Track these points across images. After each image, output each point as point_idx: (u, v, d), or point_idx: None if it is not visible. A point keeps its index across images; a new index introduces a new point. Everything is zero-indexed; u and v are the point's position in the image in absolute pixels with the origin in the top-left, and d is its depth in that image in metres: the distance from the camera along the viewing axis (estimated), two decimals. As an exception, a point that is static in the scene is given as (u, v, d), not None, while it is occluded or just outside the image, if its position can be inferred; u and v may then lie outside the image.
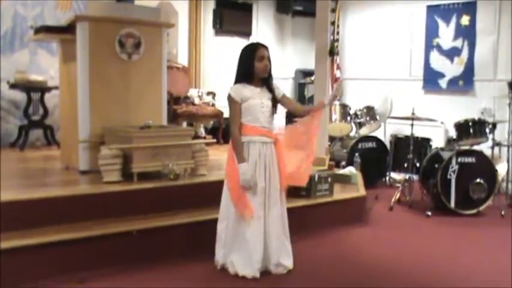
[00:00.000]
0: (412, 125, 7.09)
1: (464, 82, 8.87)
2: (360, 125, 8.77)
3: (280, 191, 4.44)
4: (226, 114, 8.69)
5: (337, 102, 9.21)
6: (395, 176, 8.32)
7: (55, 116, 7.86)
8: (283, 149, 4.47)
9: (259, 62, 4.32)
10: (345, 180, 6.75)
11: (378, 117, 8.78)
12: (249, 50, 4.38)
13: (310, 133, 4.48)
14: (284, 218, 4.49)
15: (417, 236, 5.82)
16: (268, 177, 4.35)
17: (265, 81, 4.43)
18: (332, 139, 8.73)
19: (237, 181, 4.28)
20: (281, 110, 4.67)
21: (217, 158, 6.30)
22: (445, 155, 6.77)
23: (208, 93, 9.22)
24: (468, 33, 8.79)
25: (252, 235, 4.29)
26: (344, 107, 8.88)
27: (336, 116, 8.76)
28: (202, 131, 9.18)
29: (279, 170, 4.43)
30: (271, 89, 4.44)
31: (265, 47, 4.39)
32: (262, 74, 4.36)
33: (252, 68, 4.32)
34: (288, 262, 4.46)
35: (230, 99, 4.34)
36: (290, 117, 5.63)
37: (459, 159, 6.60)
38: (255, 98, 4.32)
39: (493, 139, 7.18)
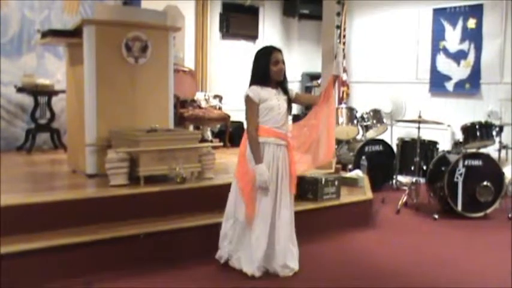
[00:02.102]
0: (418, 128, 7.08)
1: (471, 85, 8.85)
2: (366, 128, 8.76)
3: (290, 194, 4.46)
4: (233, 118, 8.76)
5: (343, 106, 9.23)
6: (402, 179, 8.29)
7: (62, 119, 7.88)
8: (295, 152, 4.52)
9: (275, 66, 4.34)
10: (352, 183, 6.74)
11: (384, 120, 8.77)
12: (264, 54, 4.40)
13: (329, 108, 4.56)
14: (291, 221, 4.50)
15: (424, 239, 5.80)
16: (280, 180, 4.38)
17: (280, 84, 4.45)
18: (339, 142, 8.72)
19: (248, 181, 4.31)
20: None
21: (224, 162, 6.31)
22: (452, 158, 6.75)
23: (215, 97, 9.23)
24: (474, 36, 8.78)
25: (259, 234, 4.32)
26: (350, 110, 8.88)
27: (343, 119, 8.75)
28: (209, 135, 9.18)
29: (290, 173, 4.44)
30: (286, 91, 4.47)
31: (279, 50, 4.42)
32: (278, 77, 4.39)
33: (268, 71, 4.34)
34: (294, 264, 4.47)
35: (248, 99, 4.35)
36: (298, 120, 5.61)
37: (466, 162, 6.59)
38: (272, 99, 4.35)
39: (500, 142, 7.15)
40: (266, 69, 4.34)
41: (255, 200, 4.32)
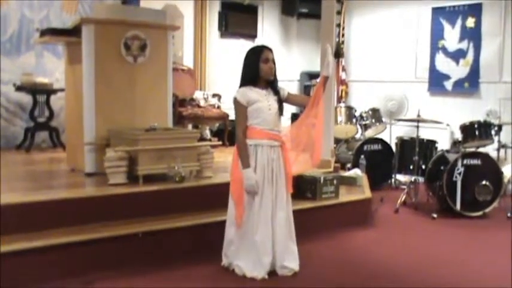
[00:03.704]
0: (417, 127, 7.09)
1: (470, 84, 8.86)
2: (365, 127, 8.76)
3: (286, 194, 4.45)
4: (231, 117, 8.73)
5: (342, 104, 9.23)
6: (401, 178, 8.31)
7: (61, 118, 7.87)
8: (289, 153, 4.48)
9: (264, 64, 4.32)
10: (351, 182, 6.74)
11: (383, 119, 8.77)
12: (254, 53, 4.38)
13: (316, 103, 4.44)
14: (290, 220, 4.49)
15: (423, 238, 5.81)
16: (276, 181, 4.36)
17: (271, 84, 4.42)
18: (337, 141, 8.72)
19: (239, 186, 4.30)
20: (285, 113, 4.65)
21: (223, 160, 6.31)
22: (451, 157, 6.76)
23: (214, 96, 9.22)
24: (473, 35, 8.78)
25: (262, 238, 4.30)
26: (349, 109, 8.89)
27: (342, 118, 8.76)
28: (207, 133, 9.17)
29: (286, 173, 4.43)
30: (276, 91, 4.44)
31: (270, 49, 4.39)
32: (268, 76, 4.36)
33: (257, 70, 4.32)
34: (294, 264, 4.45)
35: (236, 102, 4.33)
36: (296, 119, 5.60)
37: (465, 162, 6.59)
38: (262, 100, 4.32)
39: (499, 141, 7.14)
40: (256, 67, 4.32)
41: (243, 204, 4.31)
